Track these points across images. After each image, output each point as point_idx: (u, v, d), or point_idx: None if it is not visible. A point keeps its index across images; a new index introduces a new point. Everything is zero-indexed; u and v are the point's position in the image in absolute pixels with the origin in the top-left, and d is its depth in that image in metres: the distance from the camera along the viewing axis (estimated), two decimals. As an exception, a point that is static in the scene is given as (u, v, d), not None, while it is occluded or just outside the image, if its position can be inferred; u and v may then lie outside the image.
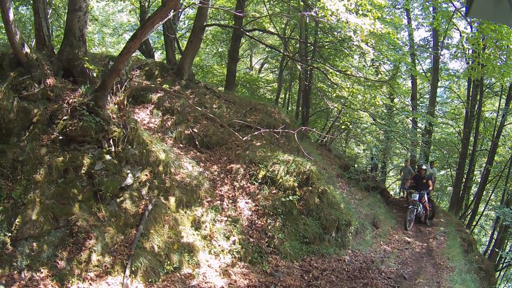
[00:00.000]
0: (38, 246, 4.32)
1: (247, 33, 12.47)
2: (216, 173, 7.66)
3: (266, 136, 9.31)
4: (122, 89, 6.16)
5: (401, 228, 10.56)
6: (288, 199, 7.21)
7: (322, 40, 13.95)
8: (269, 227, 6.78)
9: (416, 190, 10.68)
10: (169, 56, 11.41)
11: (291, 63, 14.94)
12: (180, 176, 6.53)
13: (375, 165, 17.01)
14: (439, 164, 18.11)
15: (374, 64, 13.64)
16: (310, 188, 7.61)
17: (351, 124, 13.22)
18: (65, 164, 4.93)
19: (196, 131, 8.65)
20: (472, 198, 17.85)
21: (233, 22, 13.08)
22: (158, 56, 18.41)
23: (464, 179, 16.53)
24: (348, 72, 11.49)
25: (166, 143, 7.76)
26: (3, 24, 6.02)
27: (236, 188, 7.40)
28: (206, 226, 6.22)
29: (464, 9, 11.35)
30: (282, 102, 19.02)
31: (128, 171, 5.59)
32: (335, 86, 11.88)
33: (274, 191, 7.40)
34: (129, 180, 5.55)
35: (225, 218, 6.59)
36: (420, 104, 18.32)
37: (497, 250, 14.34)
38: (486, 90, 16.86)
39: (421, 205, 10.69)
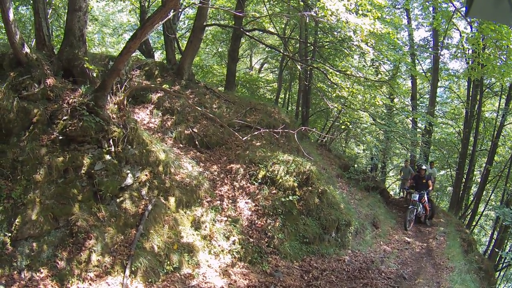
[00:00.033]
0: (38, 246, 4.32)
1: (247, 33, 12.46)
2: (216, 173, 7.66)
3: (266, 136, 9.31)
4: (122, 89, 6.16)
5: (401, 228, 10.56)
6: (288, 199, 7.21)
7: (322, 40, 13.94)
8: (269, 227, 6.78)
9: (416, 190, 10.69)
10: (169, 56, 11.40)
11: (291, 63, 14.92)
12: (180, 176, 6.53)
13: (375, 165, 17.02)
14: (439, 164, 18.10)
15: (374, 64, 13.61)
16: (310, 188, 7.61)
17: (351, 124, 13.21)
18: (65, 164, 4.93)
19: (196, 131, 8.65)
20: (472, 198, 17.85)
21: (233, 22, 13.07)
22: (158, 56, 18.40)
23: (464, 179, 16.53)
24: (348, 72, 11.48)
25: (166, 143, 7.76)
26: (3, 24, 6.02)
27: (236, 188, 7.40)
28: (206, 226, 6.22)
29: (464, 9, 11.33)
30: (282, 102, 19.00)
31: (128, 171, 5.60)
32: (335, 86, 11.87)
33: (274, 191, 7.40)
34: (129, 180, 5.56)
35: (225, 218, 6.59)
36: (420, 104, 18.31)
37: (497, 250, 14.33)
38: (486, 90, 16.85)
39: (421, 205, 10.69)
